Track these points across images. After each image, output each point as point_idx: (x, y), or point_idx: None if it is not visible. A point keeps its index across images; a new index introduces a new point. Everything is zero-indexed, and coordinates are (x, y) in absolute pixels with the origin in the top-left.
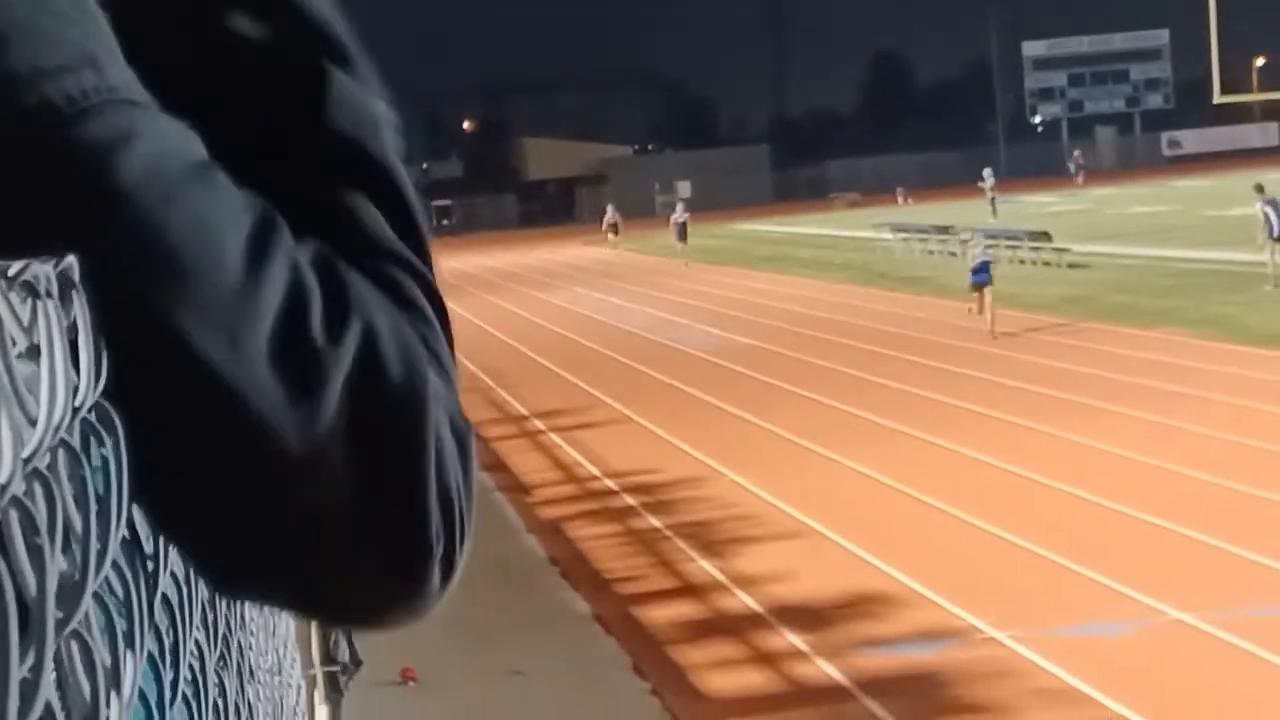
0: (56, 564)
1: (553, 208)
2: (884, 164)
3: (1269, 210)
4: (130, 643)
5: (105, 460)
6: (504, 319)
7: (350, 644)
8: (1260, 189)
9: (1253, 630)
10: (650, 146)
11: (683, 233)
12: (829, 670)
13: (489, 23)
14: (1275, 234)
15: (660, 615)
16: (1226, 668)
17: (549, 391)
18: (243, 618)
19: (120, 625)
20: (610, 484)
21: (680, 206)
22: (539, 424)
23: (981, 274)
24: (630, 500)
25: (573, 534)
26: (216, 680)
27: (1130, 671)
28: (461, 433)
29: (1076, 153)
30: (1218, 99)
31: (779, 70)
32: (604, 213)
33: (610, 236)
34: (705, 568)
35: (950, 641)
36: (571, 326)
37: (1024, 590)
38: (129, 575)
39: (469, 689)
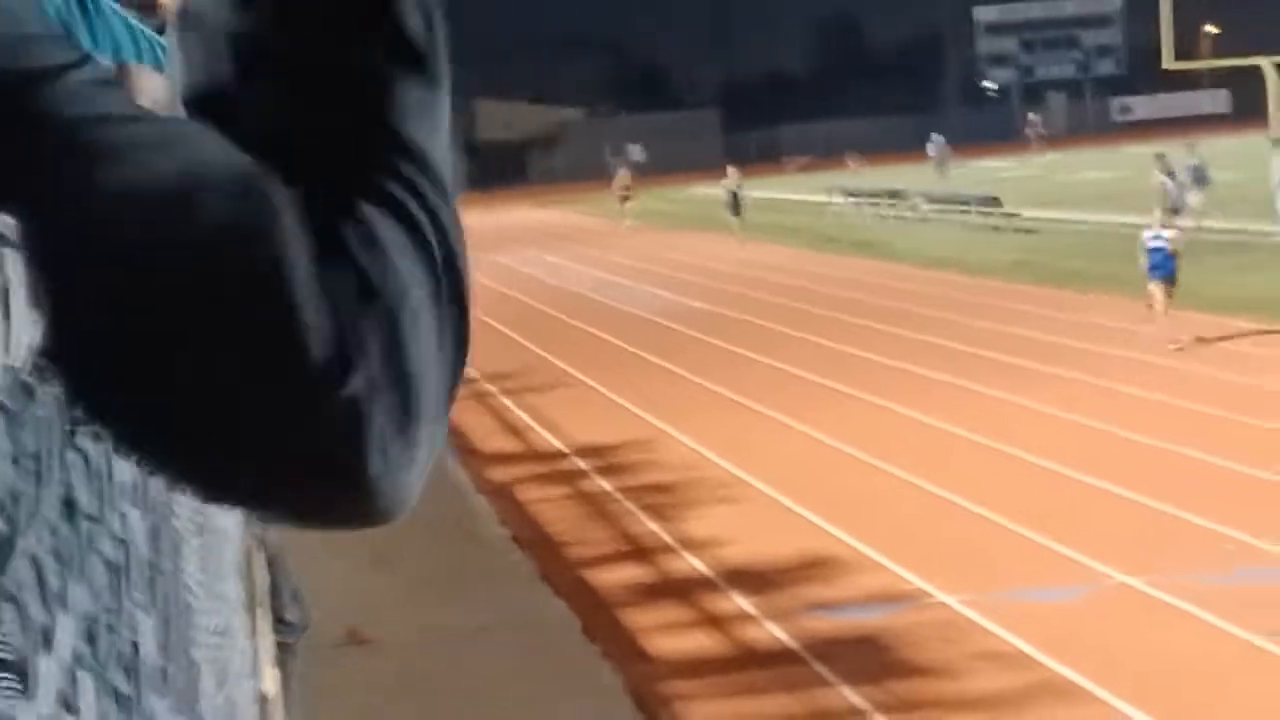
0: None
1: (503, 170)
2: (836, 128)
3: (1167, 181)
4: (63, 602)
5: (39, 418)
6: None
7: (298, 605)
8: (1160, 157)
9: (1198, 595)
10: (602, 109)
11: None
12: (778, 634)
13: None
14: (1173, 204)
15: (610, 578)
16: (1172, 632)
17: (499, 353)
18: (186, 582)
19: (54, 584)
20: (560, 446)
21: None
22: (489, 386)
23: (1161, 266)
24: (580, 463)
25: (522, 496)
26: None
27: (1077, 636)
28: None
29: (1033, 118)
30: (1168, 65)
31: (730, 33)
32: (615, 176)
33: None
34: (654, 530)
35: (899, 605)
36: (522, 289)
37: (973, 554)
38: (65, 533)
39: (418, 651)
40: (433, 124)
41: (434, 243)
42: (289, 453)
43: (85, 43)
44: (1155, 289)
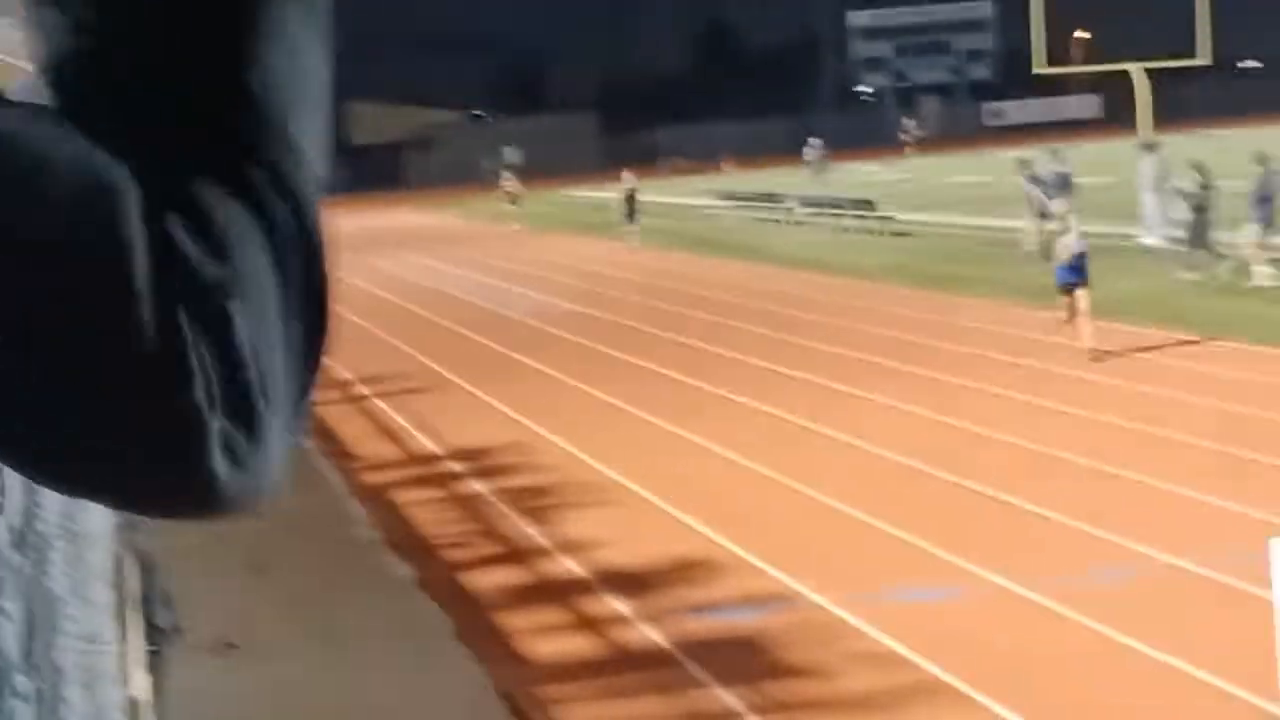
0: None
1: (379, 173)
2: (712, 131)
3: (1031, 188)
4: None
5: None
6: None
7: (170, 610)
8: (1024, 164)
9: (1066, 595)
10: (479, 112)
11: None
12: (654, 636)
13: None
14: (1040, 210)
15: (485, 581)
16: (1045, 633)
17: (375, 356)
18: (51, 587)
19: None
20: (435, 449)
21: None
22: (364, 389)
23: (1074, 271)
24: (456, 466)
25: (398, 500)
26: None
27: (951, 636)
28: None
29: (907, 122)
30: (1039, 70)
31: (607, 36)
32: (501, 178)
33: (506, 206)
34: (530, 533)
35: (773, 607)
36: (399, 292)
37: (845, 555)
38: None
39: (291, 656)
40: (304, 89)
41: (288, 236)
42: (130, 454)
43: None
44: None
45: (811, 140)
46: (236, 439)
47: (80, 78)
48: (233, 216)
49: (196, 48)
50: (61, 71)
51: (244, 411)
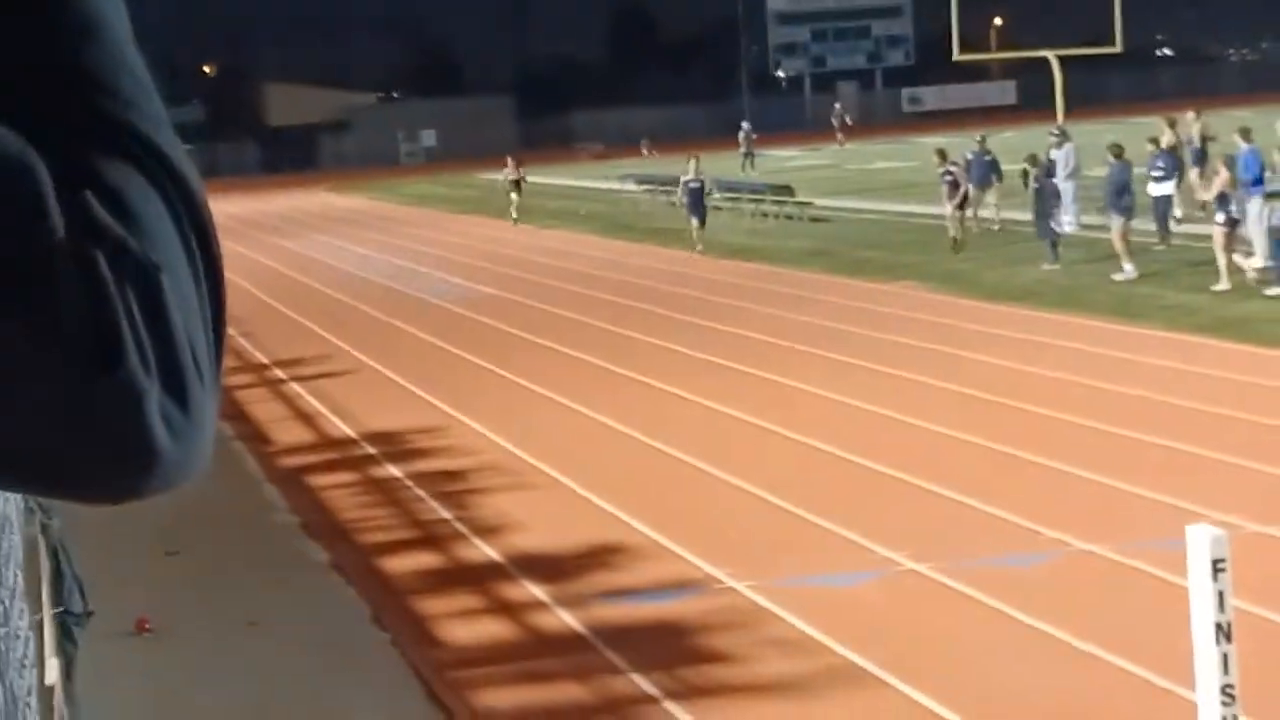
0: None
1: (295, 155)
2: (630, 116)
3: (949, 171)
4: None
5: None
6: (245, 266)
7: (80, 591)
8: (941, 155)
9: (982, 580)
10: (395, 94)
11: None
12: (569, 621)
13: None
14: (956, 198)
15: (400, 565)
16: (957, 616)
17: (290, 340)
18: None
19: None
20: (351, 433)
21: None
22: (279, 373)
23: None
24: (371, 449)
25: (313, 483)
26: None
27: (864, 621)
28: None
29: (838, 107)
30: (957, 57)
31: (524, 20)
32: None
33: (514, 196)
34: (445, 517)
35: (690, 592)
36: (314, 275)
37: (763, 541)
38: None
39: (206, 639)
40: (122, 47)
41: (182, 205)
42: (73, 437)
43: None
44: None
45: (744, 124)
46: (172, 410)
47: None
48: (136, 189)
49: (36, 43)
50: None
51: (177, 382)
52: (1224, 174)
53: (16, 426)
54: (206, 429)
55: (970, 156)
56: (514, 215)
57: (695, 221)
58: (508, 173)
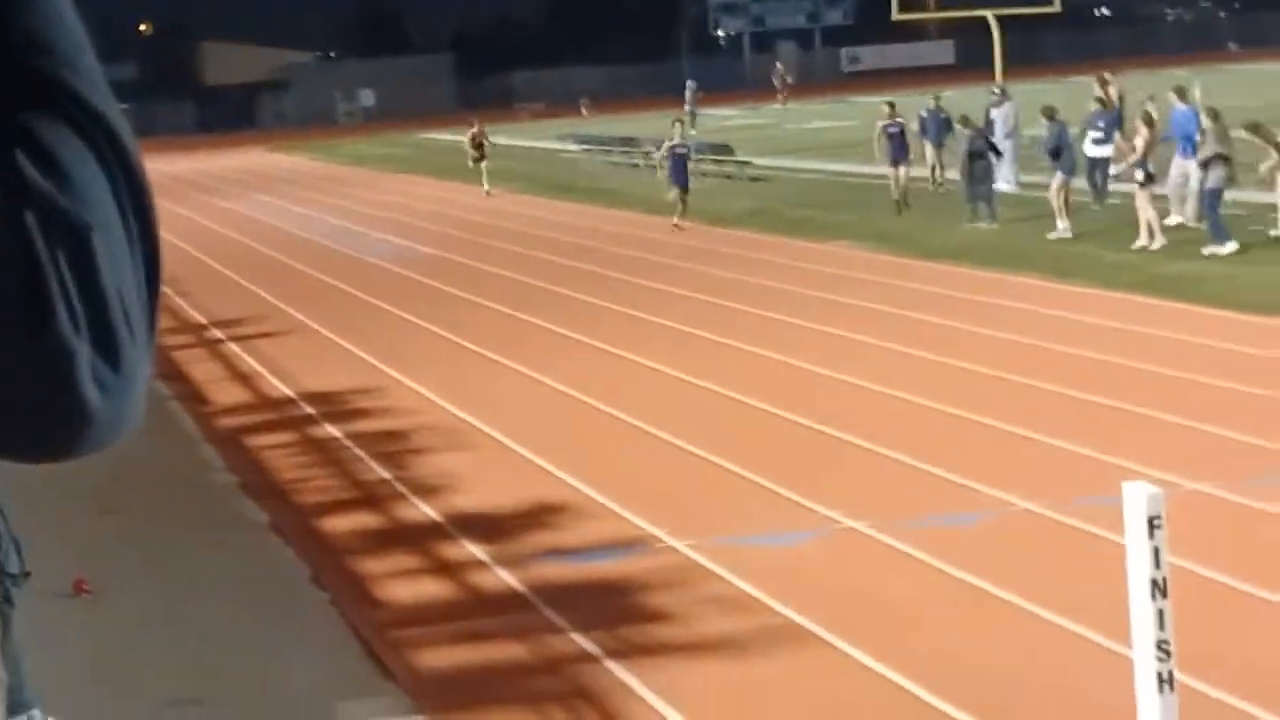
0: None
1: (232, 114)
2: (570, 75)
3: (892, 129)
4: None
5: None
6: (182, 226)
7: (16, 550)
8: (891, 106)
9: (922, 539)
10: (332, 53)
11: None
12: (509, 580)
13: None
14: (893, 156)
15: (339, 525)
16: (895, 575)
17: (228, 300)
18: None
19: None
20: (289, 393)
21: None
22: (217, 333)
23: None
24: (309, 409)
25: (251, 443)
26: None
27: (803, 579)
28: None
29: (780, 66)
30: (896, 16)
31: None
32: (471, 127)
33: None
34: (385, 477)
35: (630, 551)
36: (252, 234)
37: (702, 500)
38: None
39: (144, 600)
40: (75, 30)
41: (117, 166)
42: (3, 398)
43: None
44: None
45: (688, 83)
46: (103, 369)
47: None
48: (69, 149)
49: None
50: None
51: (108, 342)
52: (1144, 132)
53: None
54: (138, 386)
55: (925, 114)
56: (485, 187)
57: (678, 190)
58: (472, 134)
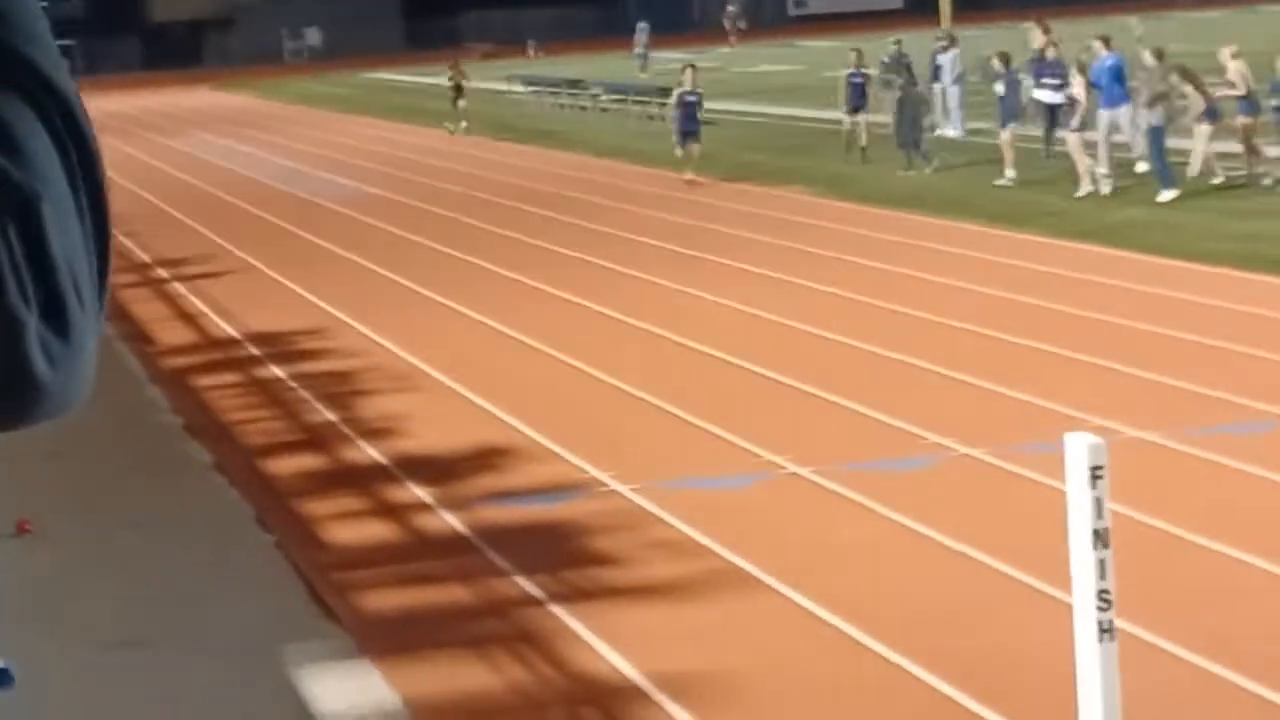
0: None
1: (178, 52)
2: (517, 16)
3: (856, 79)
4: None
5: None
6: (127, 165)
7: None
8: (858, 54)
9: (863, 483)
10: None
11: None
12: (454, 523)
13: None
14: (853, 104)
15: (284, 466)
16: (837, 519)
17: (174, 239)
18: None
19: None
20: (234, 333)
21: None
22: (162, 272)
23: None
24: (255, 350)
25: (196, 384)
26: None
27: (746, 523)
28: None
29: (731, 9)
30: None
31: None
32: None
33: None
34: (330, 419)
35: (573, 494)
36: (198, 174)
37: (645, 444)
38: None
39: (88, 540)
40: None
41: (70, 141)
42: None
43: None
44: None
45: (639, 24)
46: (51, 341)
47: None
48: (22, 121)
49: None
50: None
51: (58, 313)
52: (1079, 79)
53: None
54: (88, 356)
55: (887, 60)
56: (452, 125)
57: (686, 142)
58: (451, 75)
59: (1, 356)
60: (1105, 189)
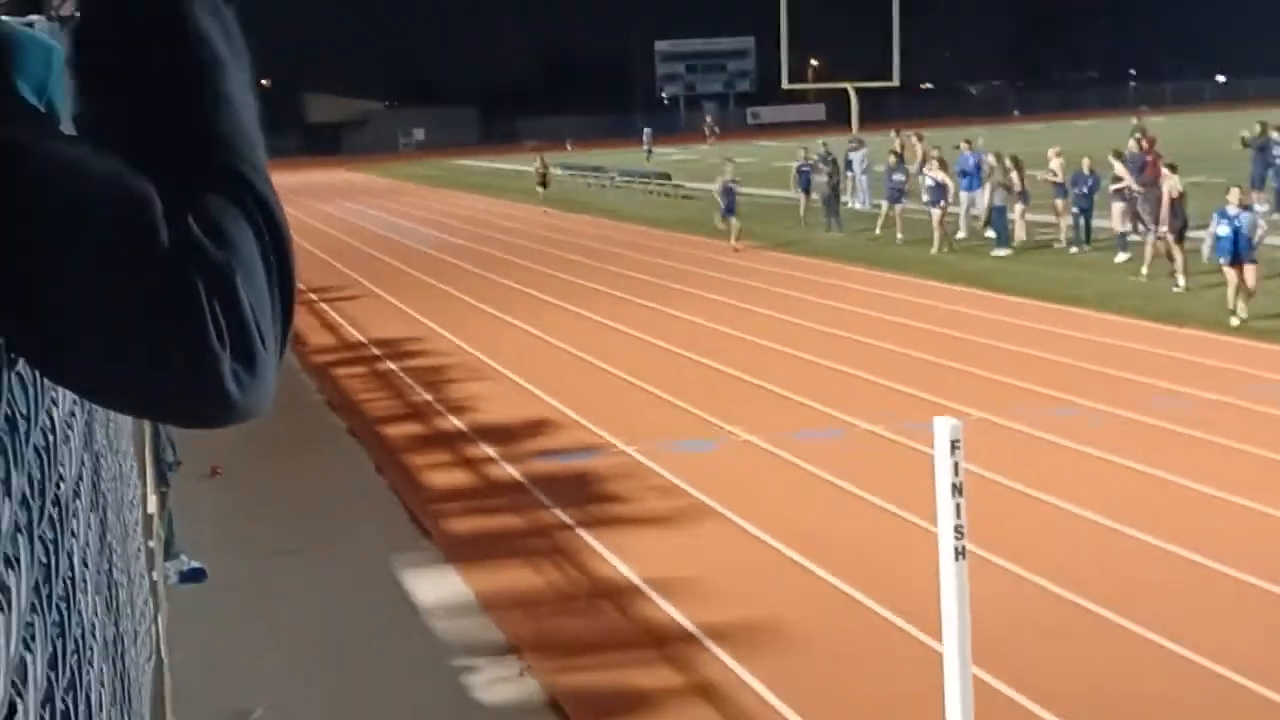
0: None
1: (326, 144)
2: (558, 121)
3: (804, 168)
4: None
5: None
6: (290, 222)
7: (172, 447)
8: (805, 150)
9: (795, 448)
10: (395, 103)
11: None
12: (511, 471)
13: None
14: (804, 186)
15: (395, 431)
16: (777, 473)
17: (321, 273)
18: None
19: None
20: (361, 338)
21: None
22: (312, 296)
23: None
24: (375, 350)
25: (334, 373)
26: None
27: (714, 475)
28: (277, 286)
29: (710, 119)
30: (785, 86)
31: (488, 52)
32: (538, 155)
33: (540, 190)
34: (426, 398)
35: (595, 453)
36: (338, 228)
37: (645, 419)
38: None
39: (258, 481)
40: (243, 114)
41: (267, 232)
42: (175, 388)
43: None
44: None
45: (645, 129)
46: (241, 372)
47: (104, 128)
48: (230, 218)
49: (181, 114)
50: (93, 121)
51: (246, 352)
52: (938, 169)
53: (138, 379)
54: (268, 383)
55: (817, 157)
56: (543, 204)
57: (731, 219)
58: (537, 166)
59: (205, 382)
60: (945, 249)
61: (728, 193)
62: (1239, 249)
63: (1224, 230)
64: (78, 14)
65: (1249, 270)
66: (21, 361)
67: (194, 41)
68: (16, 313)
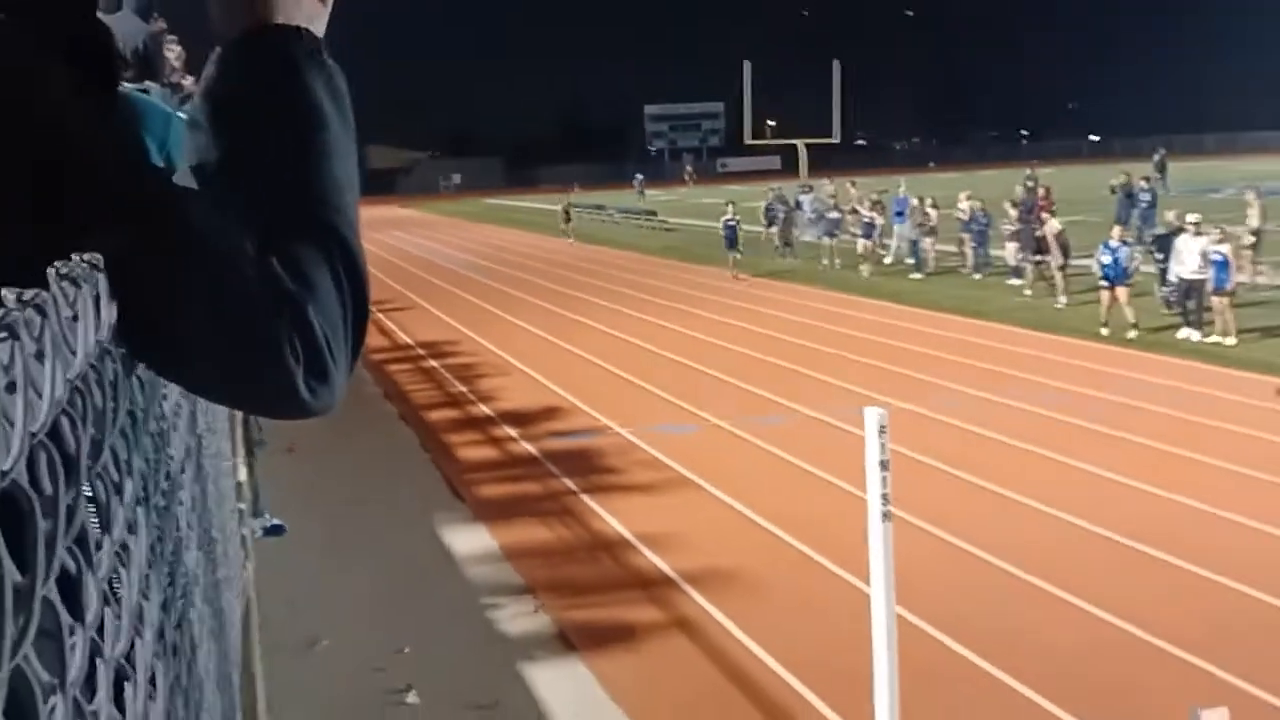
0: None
1: (382, 186)
2: (569, 169)
3: (770, 211)
4: (129, 468)
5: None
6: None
7: (259, 429)
8: (772, 191)
9: (755, 430)
10: (437, 153)
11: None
12: (529, 448)
13: (362, 63)
14: (768, 221)
15: (436, 416)
16: (742, 452)
17: (378, 290)
18: (199, 427)
19: (122, 457)
20: (409, 341)
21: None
22: (372, 308)
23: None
24: (420, 351)
25: (388, 370)
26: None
27: (692, 452)
28: (347, 300)
29: (689, 168)
30: (748, 141)
31: (510, 110)
32: (566, 196)
33: (563, 225)
34: (461, 390)
35: (594, 433)
36: (392, 253)
37: (636, 406)
38: (128, 429)
39: (327, 455)
40: (339, 167)
41: (345, 276)
42: (261, 392)
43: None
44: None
45: (637, 175)
46: (313, 382)
47: (217, 179)
48: (312, 261)
49: (287, 171)
50: (208, 172)
51: (318, 367)
52: (868, 210)
53: (232, 384)
54: (337, 390)
55: (773, 197)
56: (569, 237)
57: (734, 253)
58: (564, 204)
59: (282, 389)
60: (867, 273)
61: (729, 230)
62: (1117, 274)
63: (1106, 259)
64: (209, 76)
65: (1121, 291)
66: (140, 364)
67: (307, 109)
68: (141, 330)
